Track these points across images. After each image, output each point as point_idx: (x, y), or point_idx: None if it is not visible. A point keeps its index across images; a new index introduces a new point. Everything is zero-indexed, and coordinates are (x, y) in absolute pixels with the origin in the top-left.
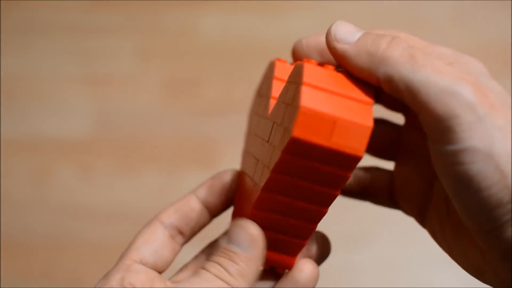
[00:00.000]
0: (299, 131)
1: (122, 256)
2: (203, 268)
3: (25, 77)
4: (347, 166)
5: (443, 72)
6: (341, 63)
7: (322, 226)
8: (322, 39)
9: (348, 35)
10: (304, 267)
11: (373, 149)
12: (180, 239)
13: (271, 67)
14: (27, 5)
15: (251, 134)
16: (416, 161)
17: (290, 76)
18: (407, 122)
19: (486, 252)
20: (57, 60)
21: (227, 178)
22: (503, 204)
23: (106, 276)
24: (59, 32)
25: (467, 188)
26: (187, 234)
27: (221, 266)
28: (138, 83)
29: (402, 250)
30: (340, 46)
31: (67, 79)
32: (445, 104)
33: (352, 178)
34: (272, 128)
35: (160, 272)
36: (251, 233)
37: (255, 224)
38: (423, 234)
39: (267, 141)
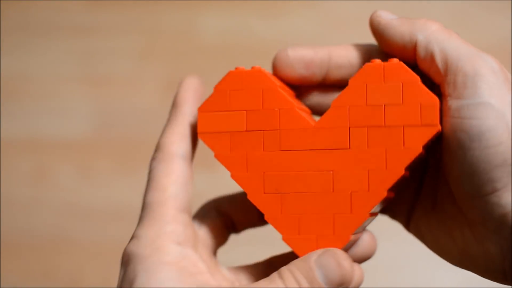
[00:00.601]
0: (436, 122)
1: (155, 203)
2: (282, 278)
3: (25, 77)
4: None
5: (472, 46)
6: (384, 34)
7: None
8: (308, 52)
9: (390, 15)
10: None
11: None
12: (191, 163)
13: (245, 78)
14: (27, 5)
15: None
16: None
17: (359, 78)
18: None
19: (477, 225)
20: (57, 60)
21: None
22: (507, 164)
23: (150, 224)
24: (59, 32)
25: (477, 143)
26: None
27: (300, 286)
28: (138, 83)
29: (402, 250)
30: (384, 19)
31: (67, 79)
32: (473, 63)
33: None
34: (349, 133)
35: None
36: (345, 275)
37: (352, 265)
38: None
39: (348, 148)
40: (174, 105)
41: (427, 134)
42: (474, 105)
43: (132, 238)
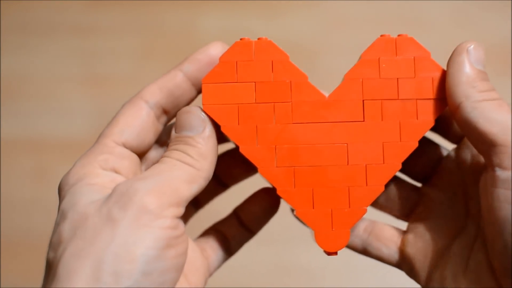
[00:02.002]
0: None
1: (102, 135)
2: (164, 156)
3: (25, 77)
4: None
5: None
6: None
7: None
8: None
9: None
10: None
11: (393, 209)
12: (164, 118)
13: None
14: (27, 5)
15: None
16: (436, 219)
17: (372, 52)
18: (431, 182)
19: None
20: (57, 60)
21: (215, 51)
22: None
23: (86, 155)
24: (59, 32)
25: None
26: (172, 113)
27: (180, 151)
28: (138, 83)
29: None
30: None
31: (67, 79)
32: None
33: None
34: (363, 106)
35: (140, 156)
36: (198, 114)
37: (198, 107)
38: None
39: (363, 121)
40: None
41: (440, 107)
42: None
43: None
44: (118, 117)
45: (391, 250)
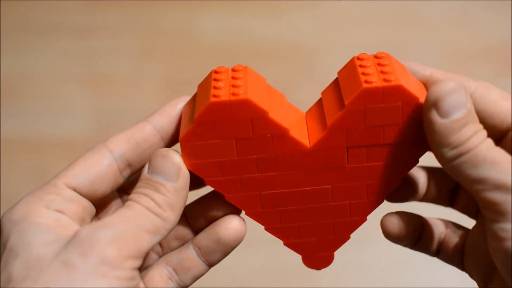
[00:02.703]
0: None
1: (55, 176)
2: (131, 200)
3: (25, 77)
4: None
5: (501, 166)
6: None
7: None
8: None
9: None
10: (230, 224)
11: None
12: (127, 171)
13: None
14: (27, 5)
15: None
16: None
17: (357, 102)
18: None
19: None
20: (57, 60)
21: (182, 104)
22: None
23: (33, 193)
24: (59, 32)
25: None
26: (136, 167)
27: (149, 197)
28: (138, 83)
29: (402, 250)
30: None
31: (67, 79)
32: (501, 196)
33: (429, 233)
34: (347, 153)
35: (94, 202)
36: (176, 162)
37: (177, 153)
38: None
39: (346, 166)
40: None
41: (424, 149)
42: (507, 229)
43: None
44: (78, 161)
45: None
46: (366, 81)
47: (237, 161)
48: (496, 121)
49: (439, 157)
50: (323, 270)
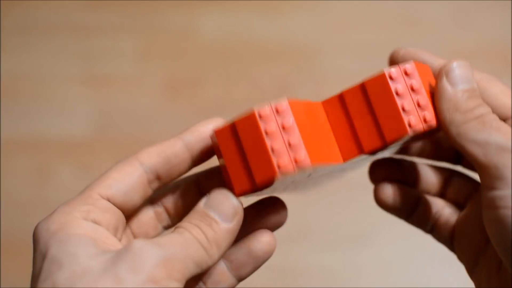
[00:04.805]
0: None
1: (89, 187)
2: (183, 228)
3: (25, 77)
4: None
5: (505, 133)
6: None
7: (323, 226)
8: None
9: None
10: (262, 237)
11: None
12: (155, 184)
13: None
14: (27, 5)
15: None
16: (480, 212)
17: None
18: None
19: None
20: (57, 60)
21: (216, 125)
22: None
23: (68, 204)
24: (59, 32)
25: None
26: (165, 180)
27: (201, 230)
28: (138, 83)
29: (402, 250)
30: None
31: (67, 79)
32: (503, 158)
33: (427, 205)
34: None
35: (125, 214)
36: (235, 206)
37: (232, 195)
38: (424, 234)
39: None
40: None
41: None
42: (505, 196)
43: (52, 212)
44: (110, 172)
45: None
46: (409, 124)
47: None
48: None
49: (448, 122)
50: (323, 270)
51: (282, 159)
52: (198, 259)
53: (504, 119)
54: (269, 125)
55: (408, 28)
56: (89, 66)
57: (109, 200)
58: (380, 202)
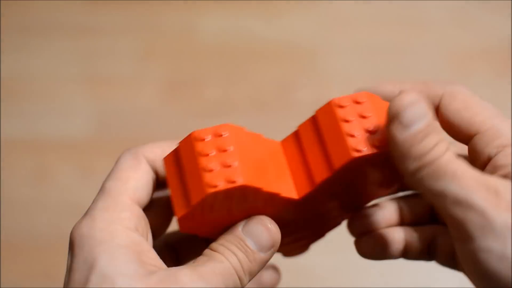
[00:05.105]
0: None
1: (115, 189)
2: (219, 252)
3: (25, 77)
4: None
5: (461, 180)
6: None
7: None
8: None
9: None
10: (268, 270)
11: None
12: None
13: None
14: (27, 5)
15: None
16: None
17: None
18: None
19: None
20: (57, 60)
21: None
22: None
23: (105, 209)
24: (59, 32)
25: (487, 283)
26: (161, 176)
27: (238, 260)
28: (138, 83)
29: None
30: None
31: (67, 79)
32: (461, 212)
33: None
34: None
35: None
36: (274, 237)
37: (278, 228)
38: None
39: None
40: None
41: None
42: (473, 250)
43: (84, 218)
44: (127, 171)
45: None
46: (355, 149)
47: (228, 219)
48: (456, 131)
49: (403, 171)
50: (323, 270)
51: (214, 177)
52: (231, 286)
53: (466, 139)
54: (205, 146)
55: (408, 28)
56: (89, 66)
57: (138, 204)
58: (363, 255)
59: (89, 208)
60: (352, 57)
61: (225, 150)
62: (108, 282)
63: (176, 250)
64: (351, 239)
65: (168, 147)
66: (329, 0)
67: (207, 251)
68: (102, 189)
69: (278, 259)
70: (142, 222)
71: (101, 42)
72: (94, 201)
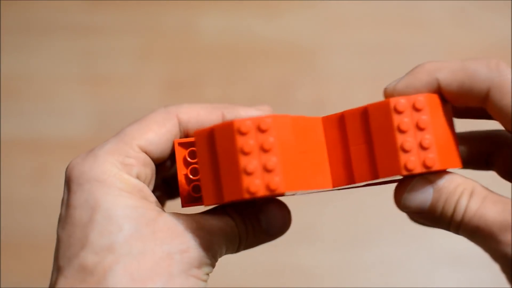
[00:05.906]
0: None
1: (128, 134)
2: (232, 216)
3: (25, 77)
4: None
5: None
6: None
7: (323, 226)
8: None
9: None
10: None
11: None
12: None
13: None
14: (27, 5)
15: None
16: None
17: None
18: None
19: None
20: (57, 60)
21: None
22: None
23: (109, 151)
24: (59, 32)
25: None
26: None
27: (246, 230)
28: (138, 83)
29: (402, 250)
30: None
31: (67, 79)
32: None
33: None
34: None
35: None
36: (285, 227)
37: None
38: (424, 234)
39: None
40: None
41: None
42: None
43: (87, 156)
44: (150, 123)
45: None
46: (406, 167)
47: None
48: (510, 124)
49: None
50: (322, 270)
51: (253, 182)
52: (231, 248)
53: None
54: (247, 143)
55: (408, 28)
56: (89, 66)
57: (147, 154)
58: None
59: (95, 147)
60: (352, 56)
61: (266, 150)
62: (114, 224)
63: (171, 185)
64: (351, 239)
65: (204, 111)
66: (329, 0)
67: (220, 209)
68: (118, 132)
69: (279, 259)
70: (147, 170)
71: (101, 42)
72: (105, 142)
